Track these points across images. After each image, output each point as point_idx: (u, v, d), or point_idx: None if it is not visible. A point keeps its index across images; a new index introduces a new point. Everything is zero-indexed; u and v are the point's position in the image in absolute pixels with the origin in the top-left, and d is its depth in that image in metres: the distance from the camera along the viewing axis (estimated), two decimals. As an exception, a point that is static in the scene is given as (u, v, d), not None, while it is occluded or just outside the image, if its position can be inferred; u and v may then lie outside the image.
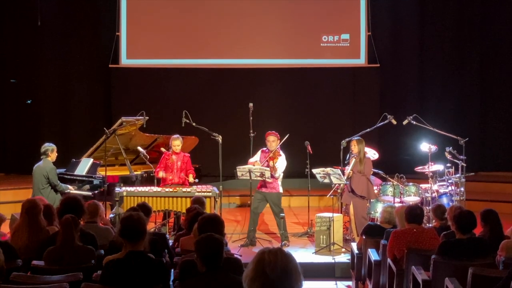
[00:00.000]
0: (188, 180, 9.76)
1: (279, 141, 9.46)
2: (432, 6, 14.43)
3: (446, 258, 5.69)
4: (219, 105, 14.02)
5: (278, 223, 9.49)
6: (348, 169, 9.32)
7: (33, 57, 14.31)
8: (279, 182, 9.47)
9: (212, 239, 4.43)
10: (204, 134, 10.13)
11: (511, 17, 13.55)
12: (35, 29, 13.90)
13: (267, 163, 9.33)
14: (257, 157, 9.58)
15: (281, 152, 9.48)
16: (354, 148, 9.35)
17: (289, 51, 14.27)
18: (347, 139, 9.86)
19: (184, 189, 9.41)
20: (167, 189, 9.40)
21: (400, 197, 9.76)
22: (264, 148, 9.56)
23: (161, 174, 9.70)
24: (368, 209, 9.49)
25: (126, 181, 9.91)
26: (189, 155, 10.00)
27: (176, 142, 9.76)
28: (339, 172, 9.32)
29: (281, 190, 9.54)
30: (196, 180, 9.88)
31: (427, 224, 8.76)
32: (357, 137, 9.56)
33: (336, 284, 8.26)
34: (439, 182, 10.17)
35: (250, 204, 9.56)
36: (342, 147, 9.84)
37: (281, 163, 9.40)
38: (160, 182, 9.83)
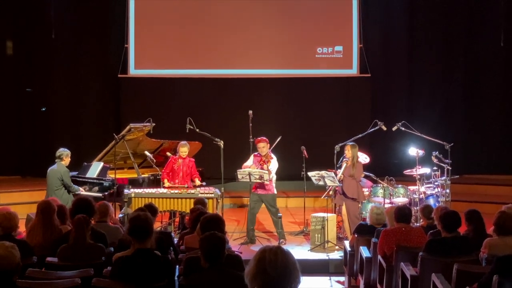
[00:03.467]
0: (194, 183, 9.79)
1: (269, 145, 9.49)
2: (420, 20, 14.48)
3: (433, 255, 5.69)
4: (220, 112, 14.03)
5: (275, 222, 9.50)
6: (339, 173, 9.35)
7: (48, 67, 14.33)
8: (273, 184, 9.50)
9: (214, 237, 4.44)
10: (207, 140, 10.13)
11: (493, 33, 13.56)
12: (49, 41, 13.93)
13: (261, 166, 9.36)
14: (250, 161, 9.61)
15: (272, 155, 9.50)
16: (348, 152, 9.35)
17: (286, 62, 14.30)
18: (341, 144, 9.86)
19: (188, 191, 9.42)
20: (172, 191, 9.41)
21: (390, 198, 9.76)
22: (256, 153, 9.59)
23: (166, 184, 9.73)
24: (360, 209, 9.50)
25: (134, 183, 9.91)
26: (193, 160, 10.02)
27: (183, 149, 9.79)
28: (333, 175, 9.32)
29: (275, 191, 9.56)
30: (204, 183, 9.90)
31: (415, 224, 8.75)
32: (351, 143, 9.55)
33: (330, 279, 8.26)
34: (426, 184, 10.17)
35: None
36: (335, 152, 9.84)
37: (274, 165, 9.43)
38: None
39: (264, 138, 9.49)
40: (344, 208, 9.36)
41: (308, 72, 14.30)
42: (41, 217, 6.29)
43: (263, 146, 9.43)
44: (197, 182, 9.80)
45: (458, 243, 5.79)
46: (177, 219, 9.99)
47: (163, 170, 9.87)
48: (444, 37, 14.39)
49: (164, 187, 9.61)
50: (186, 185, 9.67)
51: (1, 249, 4.18)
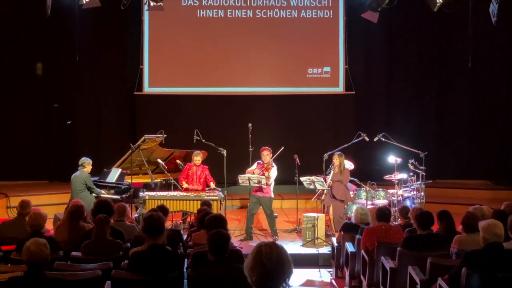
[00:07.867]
0: (209, 186, 9.81)
1: (271, 154, 9.52)
2: (397, 45, 14.51)
3: (409, 250, 5.70)
4: (224, 125, 14.04)
5: (270, 222, 9.52)
6: (329, 179, 9.43)
7: (72, 86, 14.34)
8: (271, 188, 9.51)
9: (220, 234, 4.45)
10: (212, 149, 10.14)
11: (462, 55, 13.57)
12: (73, 63, 13.87)
13: (263, 173, 9.38)
14: (254, 166, 9.66)
15: (273, 164, 9.52)
16: (336, 160, 9.49)
17: (281, 81, 14.33)
18: (329, 153, 9.90)
19: (195, 194, 9.43)
20: (181, 193, 9.42)
21: (372, 200, 9.78)
22: (259, 161, 9.61)
23: (185, 185, 9.77)
24: (345, 210, 9.53)
25: (148, 187, 9.92)
26: (207, 167, 10.01)
27: (197, 158, 9.83)
28: (322, 179, 9.38)
29: (272, 195, 9.57)
30: (219, 189, 9.88)
31: (394, 222, 8.77)
32: (339, 152, 9.65)
33: (319, 271, 8.27)
34: (403, 188, 10.19)
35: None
36: (324, 160, 9.88)
37: (273, 173, 9.45)
38: (177, 187, 9.86)
39: (268, 147, 9.55)
40: (331, 209, 9.45)
41: (300, 90, 14.33)
42: (69, 218, 6.30)
43: (267, 154, 9.48)
44: (212, 185, 9.82)
45: (432, 239, 5.81)
46: (188, 219, 9.98)
47: (179, 176, 9.92)
48: (419, 58, 14.43)
49: (182, 189, 9.63)
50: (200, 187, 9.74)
51: (34, 246, 4.23)
